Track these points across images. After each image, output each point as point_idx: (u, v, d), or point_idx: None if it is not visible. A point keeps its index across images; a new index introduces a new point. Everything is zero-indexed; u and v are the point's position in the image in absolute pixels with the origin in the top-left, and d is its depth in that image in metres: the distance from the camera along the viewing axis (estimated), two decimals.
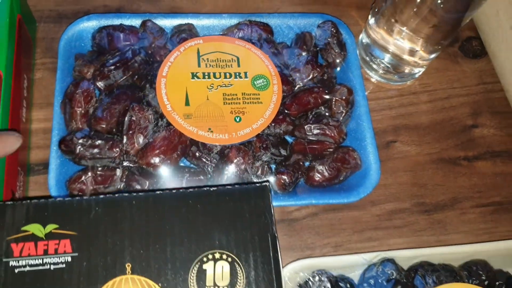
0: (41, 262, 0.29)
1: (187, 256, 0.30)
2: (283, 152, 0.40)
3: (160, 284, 0.29)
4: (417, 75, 0.47)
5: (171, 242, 0.30)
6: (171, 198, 0.32)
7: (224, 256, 0.30)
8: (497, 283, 0.37)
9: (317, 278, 0.36)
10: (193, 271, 0.30)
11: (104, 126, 0.39)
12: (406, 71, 0.45)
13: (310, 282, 0.36)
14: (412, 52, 0.43)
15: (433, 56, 0.44)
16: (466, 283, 0.36)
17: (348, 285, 0.37)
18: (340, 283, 0.37)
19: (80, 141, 0.38)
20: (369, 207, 0.42)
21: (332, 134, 0.40)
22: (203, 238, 0.31)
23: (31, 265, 0.29)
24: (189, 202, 0.32)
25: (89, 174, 0.38)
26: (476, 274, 0.37)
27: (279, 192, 0.39)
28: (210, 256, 0.30)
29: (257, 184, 0.33)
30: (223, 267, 0.30)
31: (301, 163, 0.40)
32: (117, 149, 0.38)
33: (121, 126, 0.39)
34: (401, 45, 0.43)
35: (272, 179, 0.39)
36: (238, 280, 0.30)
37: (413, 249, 0.38)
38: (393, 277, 0.36)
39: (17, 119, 0.38)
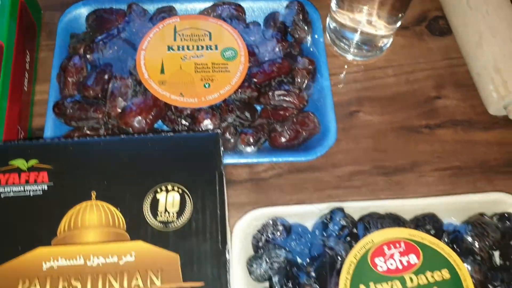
0: (22, 189, 0.35)
1: (143, 187, 0.36)
2: (248, 115, 0.45)
3: (119, 208, 0.35)
4: (384, 48, 0.51)
5: (131, 175, 0.36)
6: (133, 141, 0.38)
7: (176, 188, 0.36)
8: (444, 235, 0.40)
9: (271, 222, 0.41)
10: (148, 198, 0.35)
11: (91, 93, 0.45)
12: (373, 44, 0.50)
13: (266, 227, 0.41)
14: (375, 25, 0.48)
15: (398, 24, 0.48)
16: (408, 228, 0.39)
17: (300, 229, 0.41)
18: (293, 227, 0.41)
19: (71, 104, 0.44)
20: (330, 169, 0.46)
21: (294, 101, 0.45)
22: (158, 173, 0.36)
23: (14, 191, 0.35)
24: (148, 144, 0.37)
25: (77, 134, 0.45)
26: (423, 224, 0.40)
27: (243, 152, 0.44)
28: (163, 188, 0.36)
29: (210, 132, 0.38)
30: (174, 196, 0.35)
31: (265, 126, 0.45)
32: (101, 111, 0.44)
33: (106, 93, 0.45)
34: (363, 21, 0.48)
35: (238, 139, 0.44)
36: (186, 207, 0.35)
37: (363, 201, 0.42)
38: (341, 224, 0.40)
39: (19, 88, 0.46)
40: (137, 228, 0.34)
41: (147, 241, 0.34)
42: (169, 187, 0.36)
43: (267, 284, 0.39)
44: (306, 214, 0.42)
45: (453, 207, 0.41)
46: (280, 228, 0.41)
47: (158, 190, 0.36)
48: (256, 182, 0.46)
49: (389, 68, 0.51)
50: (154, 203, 0.35)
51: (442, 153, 0.47)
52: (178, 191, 0.36)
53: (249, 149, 0.44)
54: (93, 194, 0.35)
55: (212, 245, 0.34)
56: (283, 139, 0.44)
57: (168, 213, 0.35)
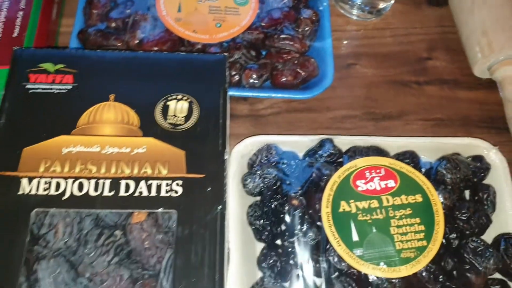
0: (48, 88, 0.41)
1: (157, 94, 0.41)
2: (253, 54, 0.50)
3: (134, 110, 0.40)
4: (384, 11, 0.56)
5: (147, 84, 0.41)
6: (150, 56, 0.43)
7: (185, 98, 0.41)
8: (421, 169, 0.45)
9: (265, 147, 0.45)
10: (160, 104, 0.40)
11: (113, 24, 0.51)
12: (374, 7, 0.55)
13: (261, 150, 0.45)
14: None
15: None
16: (388, 158, 0.44)
17: (291, 155, 0.45)
18: (285, 153, 0.46)
19: (94, 32, 0.50)
20: (324, 111, 0.51)
21: (297, 45, 0.50)
22: (170, 84, 0.41)
23: (42, 89, 0.40)
24: (163, 59, 0.43)
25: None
26: (403, 158, 0.45)
27: (247, 86, 0.49)
28: (174, 96, 0.41)
29: (217, 54, 0.43)
30: (183, 105, 0.41)
31: (268, 65, 0.50)
32: (121, 40, 0.50)
33: (126, 25, 0.50)
34: None
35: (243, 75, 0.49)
36: (193, 114, 0.40)
37: (352, 136, 0.46)
38: (330, 151, 0.45)
39: (48, 17, 0.51)
40: (149, 127, 0.39)
41: (157, 138, 0.39)
42: (179, 97, 0.41)
43: (258, 198, 0.44)
44: (298, 144, 0.46)
45: (432, 147, 0.46)
46: (273, 152, 0.45)
47: (169, 98, 0.41)
48: (255, 118, 0.51)
49: (387, 30, 0.56)
50: (165, 108, 0.40)
51: (427, 106, 0.52)
52: (186, 100, 0.41)
53: (252, 84, 0.49)
54: (112, 96, 0.40)
55: (213, 147, 0.39)
56: (284, 78, 0.49)
57: (177, 117, 0.40)
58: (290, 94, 0.49)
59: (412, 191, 0.42)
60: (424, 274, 0.39)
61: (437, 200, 0.42)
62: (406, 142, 0.46)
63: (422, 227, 0.41)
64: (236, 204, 0.43)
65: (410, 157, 0.45)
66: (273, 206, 0.43)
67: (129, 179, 0.37)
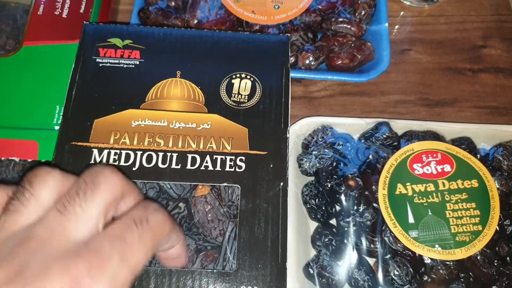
0: (117, 62, 0.42)
1: (221, 72, 0.42)
2: (310, 36, 0.51)
3: (199, 87, 0.41)
4: None
5: (211, 62, 0.43)
6: (214, 34, 0.45)
7: (248, 77, 0.42)
8: (477, 155, 0.46)
9: (321, 128, 0.47)
10: (224, 82, 0.42)
11: (173, 3, 0.52)
12: None
13: (317, 131, 0.47)
14: None
15: None
16: (445, 143, 0.45)
17: (347, 137, 0.47)
18: (340, 135, 0.47)
19: (155, 10, 0.51)
20: (378, 96, 0.52)
21: (353, 28, 0.51)
22: (234, 63, 0.43)
23: (111, 63, 0.42)
24: (227, 38, 0.44)
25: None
26: (459, 144, 0.46)
27: (302, 68, 0.51)
28: (238, 75, 0.42)
29: (281, 35, 0.44)
30: (246, 83, 0.42)
31: (324, 48, 0.51)
32: (180, 19, 0.51)
33: (186, 5, 0.52)
34: None
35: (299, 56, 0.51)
36: (256, 92, 0.42)
37: (407, 120, 0.47)
38: (386, 135, 0.46)
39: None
40: (213, 104, 0.41)
41: (222, 115, 0.41)
42: (243, 75, 0.42)
43: (312, 178, 0.46)
44: (354, 126, 0.48)
45: (487, 134, 0.47)
46: (329, 133, 0.47)
47: (233, 76, 0.42)
48: (309, 100, 0.52)
49: (442, 17, 0.57)
50: (229, 86, 0.42)
51: (481, 94, 0.52)
52: (250, 79, 0.42)
53: (308, 65, 0.50)
54: (178, 73, 0.42)
55: (275, 124, 0.40)
56: (339, 61, 0.50)
57: (241, 95, 0.41)
58: (346, 77, 0.50)
59: (468, 176, 0.43)
60: (479, 258, 0.40)
61: (493, 186, 0.43)
62: (461, 128, 0.47)
63: (477, 212, 0.42)
64: (290, 183, 0.45)
65: (466, 143, 0.46)
66: (328, 186, 0.44)
67: (195, 153, 0.39)
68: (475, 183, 0.43)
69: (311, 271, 0.41)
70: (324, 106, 0.52)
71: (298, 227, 0.44)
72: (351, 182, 0.43)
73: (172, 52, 0.43)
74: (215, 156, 0.39)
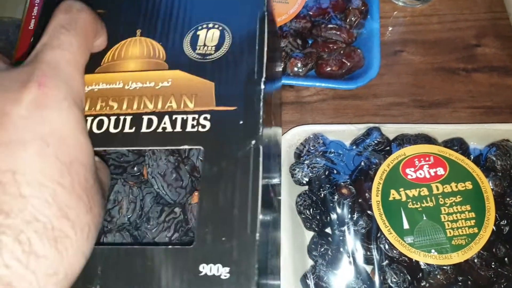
0: None
1: (187, 25, 0.39)
2: (299, 42, 0.52)
3: (161, 43, 0.38)
4: None
5: (176, 17, 0.39)
6: None
7: (216, 26, 0.38)
8: (471, 156, 0.46)
9: (312, 136, 0.47)
10: (189, 35, 0.38)
11: None
12: None
13: (308, 140, 0.47)
14: None
15: None
16: (437, 146, 0.45)
17: (338, 144, 0.47)
18: (332, 142, 0.47)
19: None
20: (371, 98, 0.52)
21: (343, 35, 0.52)
22: (201, 14, 0.39)
23: None
24: None
25: None
26: (451, 145, 0.46)
27: (291, 75, 0.51)
28: (205, 25, 0.38)
29: None
30: (214, 33, 0.38)
31: (313, 54, 0.52)
32: None
33: None
34: None
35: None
36: (225, 42, 0.37)
37: (398, 123, 0.48)
38: (378, 140, 0.46)
39: None
40: (176, 60, 0.37)
41: (184, 71, 0.37)
42: (210, 25, 0.38)
43: (306, 187, 0.46)
44: (345, 133, 0.48)
45: (480, 134, 0.47)
46: (321, 141, 0.47)
47: (199, 27, 0.38)
48: (301, 105, 0.53)
49: (434, 16, 0.57)
50: (194, 38, 0.38)
51: (476, 94, 0.52)
52: (218, 28, 0.38)
53: (296, 72, 0.51)
54: (138, 31, 0.39)
55: (248, 76, 0.36)
56: (328, 68, 0.51)
57: (207, 47, 0.37)
58: (334, 84, 0.50)
59: (462, 179, 0.43)
60: (476, 260, 0.40)
61: (487, 187, 0.43)
62: (454, 129, 0.47)
63: (472, 214, 0.42)
64: (284, 193, 0.45)
65: (458, 144, 0.46)
66: (322, 195, 0.45)
67: (152, 114, 0.35)
68: (469, 185, 0.43)
69: (308, 282, 0.42)
70: (316, 111, 0.52)
71: (294, 237, 0.44)
72: (344, 191, 0.43)
73: (133, 11, 0.40)
74: (174, 116, 0.35)
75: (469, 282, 0.41)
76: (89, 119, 0.35)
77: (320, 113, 0.52)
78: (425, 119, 0.51)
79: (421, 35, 0.56)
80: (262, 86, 0.35)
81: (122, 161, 0.42)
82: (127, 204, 0.40)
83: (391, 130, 0.47)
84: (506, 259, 0.42)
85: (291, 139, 0.48)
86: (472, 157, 0.46)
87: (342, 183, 0.44)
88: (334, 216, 0.44)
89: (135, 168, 0.42)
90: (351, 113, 0.52)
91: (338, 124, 0.48)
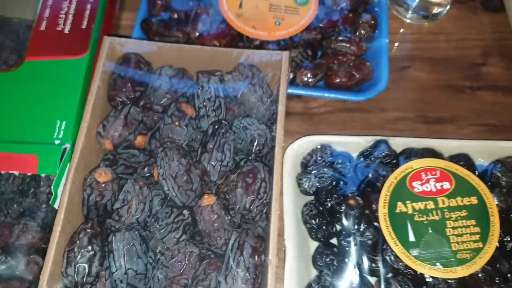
0: None
1: None
2: (310, 53, 0.52)
3: None
4: (439, 16, 0.58)
5: None
6: None
7: None
8: (476, 172, 0.47)
9: (320, 147, 0.48)
10: None
11: (175, 15, 0.54)
12: (431, 11, 0.57)
13: (316, 150, 0.48)
14: None
15: None
16: (444, 160, 0.46)
17: (345, 156, 0.48)
18: (339, 154, 0.48)
19: (157, 22, 0.53)
20: (378, 112, 0.53)
21: (353, 48, 0.53)
22: None
23: None
24: None
25: None
26: (457, 161, 0.47)
27: (300, 84, 0.52)
28: None
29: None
30: None
31: (323, 65, 0.53)
32: (182, 32, 0.52)
33: (189, 17, 0.53)
34: None
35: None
36: None
37: (406, 137, 0.48)
38: (385, 153, 0.47)
39: (113, 9, 0.54)
40: None
41: None
42: None
43: (312, 197, 0.46)
44: (352, 144, 0.48)
45: (486, 150, 0.48)
46: (328, 152, 0.47)
47: None
48: (309, 116, 0.53)
49: (441, 34, 0.58)
50: None
51: (480, 111, 0.54)
52: None
53: (305, 82, 0.51)
54: None
55: None
56: (338, 79, 0.52)
57: None
58: (343, 95, 0.51)
59: (467, 193, 0.44)
60: (480, 275, 0.41)
61: (492, 202, 0.44)
62: (459, 144, 0.48)
63: (477, 229, 0.42)
64: (291, 203, 0.45)
65: (464, 160, 0.47)
66: (329, 205, 0.45)
67: None
68: (474, 200, 0.44)
69: None
70: (323, 122, 0.53)
71: (299, 247, 0.44)
72: (352, 202, 0.44)
73: None
74: None
75: None
76: None
77: (327, 125, 0.53)
78: (431, 134, 0.52)
79: (428, 52, 0.57)
80: None
81: (133, 161, 0.43)
82: (136, 204, 0.40)
83: (398, 143, 0.48)
84: (509, 275, 0.42)
85: (297, 149, 0.48)
86: (477, 173, 0.46)
87: (349, 194, 0.44)
88: (340, 227, 0.44)
89: (146, 169, 0.43)
90: (358, 126, 0.52)
91: (345, 136, 0.49)
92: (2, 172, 0.44)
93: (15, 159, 0.43)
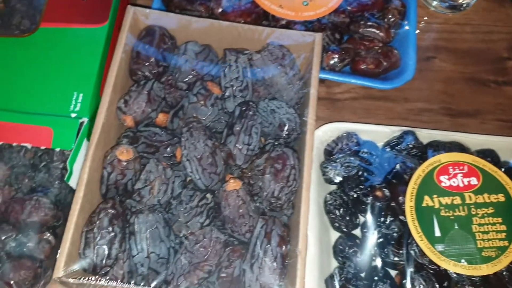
0: None
1: None
2: (337, 36, 0.51)
3: None
4: (466, 7, 0.57)
5: None
6: None
7: None
8: (502, 169, 0.46)
9: (345, 135, 0.46)
10: None
11: None
12: (457, 1, 0.56)
13: (341, 138, 0.46)
14: None
15: None
16: (471, 155, 0.45)
17: (371, 145, 0.46)
18: (365, 143, 0.47)
19: None
20: (402, 102, 0.52)
21: (382, 34, 0.51)
22: None
23: None
24: None
25: None
26: (483, 156, 0.46)
27: (326, 68, 0.50)
28: None
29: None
30: None
31: (350, 50, 0.51)
32: (205, 6, 0.50)
33: None
34: None
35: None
36: None
37: (432, 130, 0.47)
38: (412, 144, 0.46)
39: None
40: None
41: None
42: None
43: (334, 186, 0.45)
44: (377, 133, 0.47)
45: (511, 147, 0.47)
46: (354, 140, 0.46)
47: None
48: (332, 101, 0.52)
49: (468, 25, 0.57)
50: None
51: (505, 107, 0.53)
52: None
53: (332, 66, 0.50)
54: None
55: None
56: (364, 65, 0.50)
57: None
58: (370, 82, 0.50)
59: (494, 190, 0.43)
60: (505, 273, 0.40)
61: None
62: (486, 140, 0.47)
63: (504, 227, 0.42)
64: (313, 191, 0.44)
65: (491, 155, 0.46)
66: (354, 196, 0.44)
67: None
68: (501, 197, 0.43)
69: (335, 283, 0.41)
70: (347, 109, 0.51)
71: (320, 237, 0.43)
72: (379, 193, 0.43)
73: None
74: None
75: None
76: None
77: (351, 112, 0.51)
78: (454, 127, 0.51)
79: (453, 43, 0.56)
80: None
81: (155, 140, 0.41)
82: (159, 185, 0.38)
83: (424, 135, 0.47)
84: None
85: (322, 135, 0.47)
86: (503, 170, 0.46)
87: (377, 185, 0.43)
88: (364, 218, 0.43)
89: (169, 149, 0.41)
90: (382, 115, 0.51)
91: (371, 124, 0.48)
92: (14, 144, 0.41)
93: (28, 131, 0.41)
